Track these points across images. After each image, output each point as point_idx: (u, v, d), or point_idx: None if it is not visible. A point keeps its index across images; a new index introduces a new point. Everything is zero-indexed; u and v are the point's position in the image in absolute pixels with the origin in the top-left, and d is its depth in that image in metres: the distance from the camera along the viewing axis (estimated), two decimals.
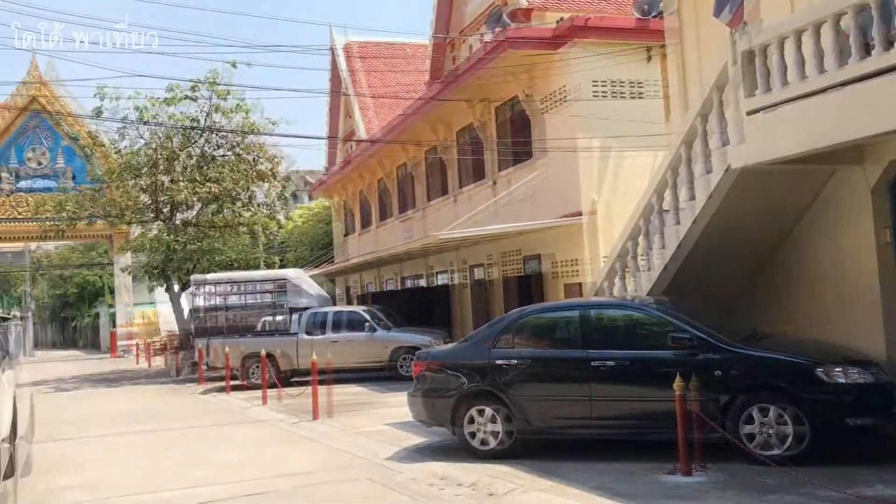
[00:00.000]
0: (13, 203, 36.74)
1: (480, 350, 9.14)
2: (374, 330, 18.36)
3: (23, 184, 36.81)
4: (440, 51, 24.63)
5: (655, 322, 8.55)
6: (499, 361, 8.87)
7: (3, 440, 7.78)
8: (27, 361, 36.69)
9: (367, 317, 18.77)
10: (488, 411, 8.79)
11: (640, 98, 16.34)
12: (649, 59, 16.32)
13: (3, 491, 7.48)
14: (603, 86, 16.21)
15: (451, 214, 21.07)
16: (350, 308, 21.97)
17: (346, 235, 33.14)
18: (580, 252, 15.94)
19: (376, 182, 28.61)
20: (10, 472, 8.58)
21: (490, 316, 16.49)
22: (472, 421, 8.87)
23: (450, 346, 11.55)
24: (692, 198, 9.86)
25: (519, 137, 18.24)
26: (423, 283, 24.59)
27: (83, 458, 10.42)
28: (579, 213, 15.82)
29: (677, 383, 7.36)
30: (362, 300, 27.53)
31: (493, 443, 8.77)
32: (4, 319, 25.06)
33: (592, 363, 8.38)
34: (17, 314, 40.90)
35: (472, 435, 8.86)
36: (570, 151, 15.90)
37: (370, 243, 28.75)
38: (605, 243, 14.94)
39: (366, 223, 30.50)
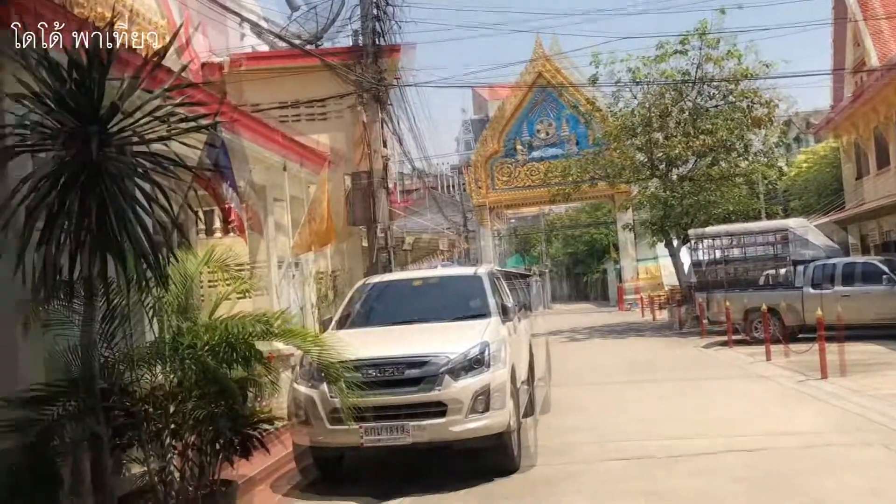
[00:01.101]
0: (528, 172, 41.10)
1: None
2: (895, 283, 16.37)
3: (534, 154, 41.05)
4: None
5: None
6: None
7: (522, 383, 8.87)
8: (545, 313, 40.83)
9: (885, 268, 16.81)
10: None
11: None
12: None
13: (525, 426, 8.52)
14: None
15: None
16: (864, 259, 19.99)
17: (858, 178, 29.88)
18: None
19: (894, 114, 25.19)
20: (529, 411, 9.75)
21: None
22: None
23: None
24: None
25: None
26: None
27: (591, 402, 11.26)
28: None
29: None
30: (883, 249, 24.66)
31: None
32: (525, 276, 28.21)
33: None
34: (536, 271, 45.54)
35: None
36: None
37: (889, 184, 25.50)
38: None
39: (882, 162, 27.05)
